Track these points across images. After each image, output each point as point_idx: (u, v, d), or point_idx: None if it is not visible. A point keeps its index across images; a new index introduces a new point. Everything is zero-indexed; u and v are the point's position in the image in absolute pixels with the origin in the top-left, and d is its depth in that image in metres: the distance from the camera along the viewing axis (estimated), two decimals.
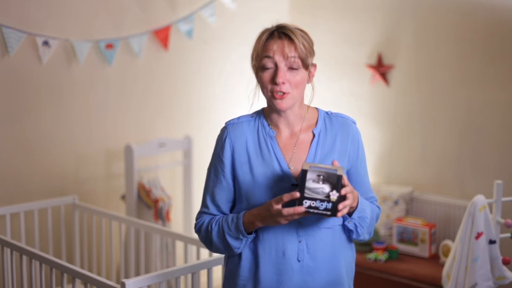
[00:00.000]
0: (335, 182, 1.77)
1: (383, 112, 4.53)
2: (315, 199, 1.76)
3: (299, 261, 1.93)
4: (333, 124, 2.01)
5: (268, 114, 2.01)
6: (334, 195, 1.76)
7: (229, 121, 2.04)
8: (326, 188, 1.77)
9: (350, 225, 1.96)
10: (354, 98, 4.65)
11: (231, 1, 4.52)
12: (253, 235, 1.94)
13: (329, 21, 4.76)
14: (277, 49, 1.90)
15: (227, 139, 1.99)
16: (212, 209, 2.03)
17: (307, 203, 1.76)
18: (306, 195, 1.77)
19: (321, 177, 1.77)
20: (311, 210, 1.77)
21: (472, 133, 4.08)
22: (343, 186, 1.80)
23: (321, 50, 4.53)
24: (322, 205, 1.76)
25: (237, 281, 1.99)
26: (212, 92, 4.66)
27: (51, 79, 3.83)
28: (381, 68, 4.45)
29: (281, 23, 1.95)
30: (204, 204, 2.05)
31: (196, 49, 4.51)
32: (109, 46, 4.00)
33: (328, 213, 1.76)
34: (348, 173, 2.02)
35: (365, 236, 2.01)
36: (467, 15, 4.06)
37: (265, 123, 2.00)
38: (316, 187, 1.77)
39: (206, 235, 2.01)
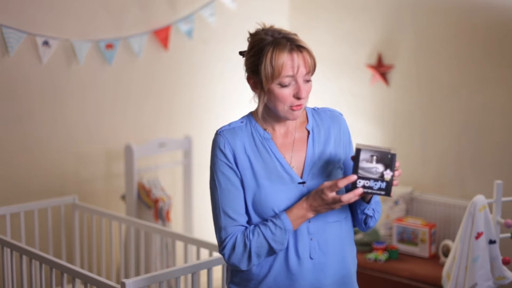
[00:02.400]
0: (389, 161, 1.78)
1: (383, 112, 4.53)
2: (368, 179, 1.78)
3: (311, 258, 1.93)
4: (322, 118, 2.04)
5: (262, 117, 1.99)
6: (388, 174, 1.78)
7: (221, 128, 1.99)
8: (379, 167, 1.78)
9: (369, 211, 1.96)
10: (354, 98, 4.65)
11: (231, 1, 4.52)
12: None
13: (329, 21, 4.76)
14: (296, 67, 1.88)
15: (226, 145, 1.95)
16: (239, 219, 1.93)
17: (360, 182, 1.78)
18: (359, 174, 1.78)
19: (374, 157, 1.79)
20: (365, 190, 1.78)
21: (472, 133, 4.08)
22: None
23: (321, 50, 4.58)
24: (376, 184, 1.78)
25: (251, 281, 1.97)
26: (212, 92, 4.66)
27: (51, 79, 3.83)
28: (381, 68, 4.45)
29: (286, 34, 1.92)
30: (225, 222, 1.93)
31: (196, 49, 4.51)
32: (109, 46, 4.00)
33: (383, 192, 1.78)
34: (344, 163, 2.03)
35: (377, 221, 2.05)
36: (467, 15, 4.06)
37: (258, 126, 1.98)
38: (370, 166, 1.78)
39: (243, 250, 1.91)
